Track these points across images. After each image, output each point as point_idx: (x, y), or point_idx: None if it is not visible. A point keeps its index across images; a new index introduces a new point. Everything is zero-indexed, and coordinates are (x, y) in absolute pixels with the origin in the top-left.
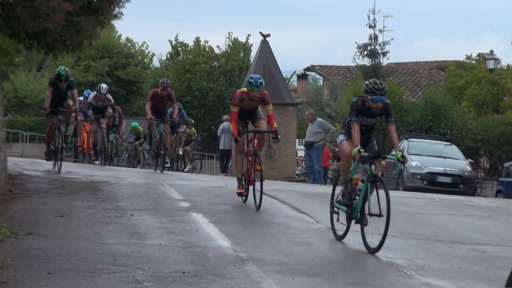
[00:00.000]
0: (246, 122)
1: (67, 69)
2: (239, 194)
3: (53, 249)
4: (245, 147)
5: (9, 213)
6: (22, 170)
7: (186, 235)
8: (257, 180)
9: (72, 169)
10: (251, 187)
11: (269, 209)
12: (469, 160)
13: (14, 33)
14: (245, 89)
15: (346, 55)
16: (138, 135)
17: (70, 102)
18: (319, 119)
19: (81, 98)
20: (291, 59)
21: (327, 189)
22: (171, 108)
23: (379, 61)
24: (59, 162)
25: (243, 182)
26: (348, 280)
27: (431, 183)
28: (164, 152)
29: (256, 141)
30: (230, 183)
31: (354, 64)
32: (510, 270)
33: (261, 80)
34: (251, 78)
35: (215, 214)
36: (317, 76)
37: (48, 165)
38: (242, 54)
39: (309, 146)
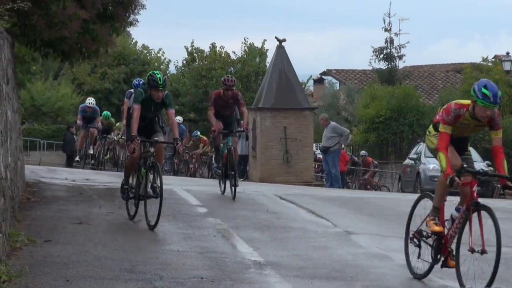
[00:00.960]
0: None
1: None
2: (436, 234)
3: (71, 256)
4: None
5: (27, 221)
6: (40, 178)
7: (203, 240)
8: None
9: (89, 176)
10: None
11: (287, 213)
12: (486, 162)
13: (30, 41)
14: (468, 101)
15: (362, 59)
16: (110, 127)
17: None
18: (332, 123)
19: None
20: (307, 63)
21: (344, 193)
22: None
23: (395, 65)
24: (146, 215)
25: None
26: (366, 283)
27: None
28: (234, 172)
29: (475, 188)
30: (248, 188)
31: (370, 68)
32: None
33: (500, 94)
34: (485, 87)
35: (232, 219)
36: (334, 80)
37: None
38: (258, 59)
39: (325, 150)
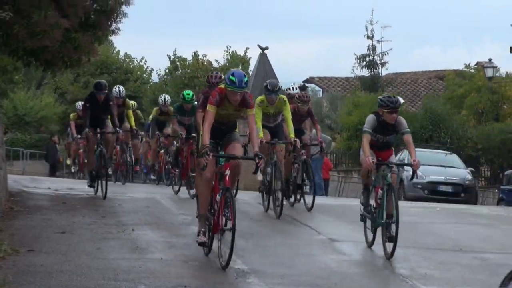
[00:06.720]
0: None
1: None
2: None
3: (54, 265)
4: None
5: (10, 231)
6: (23, 187)
7: (187, 249)
8: None
9: (72, 185)
10: None
11: (270, 221)
12: (469, 168)
13: (12, 51)
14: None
15: (345, 66)
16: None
17: None
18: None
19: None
20: (290, 71)
21: (328, 200)
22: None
23: (378, 72)
24: None
25: None
26: None
27: (432, 192)
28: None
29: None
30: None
31: (353, 75)
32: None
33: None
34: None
35: None
36: (317, 87)
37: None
38: (240, 67)
39: None
